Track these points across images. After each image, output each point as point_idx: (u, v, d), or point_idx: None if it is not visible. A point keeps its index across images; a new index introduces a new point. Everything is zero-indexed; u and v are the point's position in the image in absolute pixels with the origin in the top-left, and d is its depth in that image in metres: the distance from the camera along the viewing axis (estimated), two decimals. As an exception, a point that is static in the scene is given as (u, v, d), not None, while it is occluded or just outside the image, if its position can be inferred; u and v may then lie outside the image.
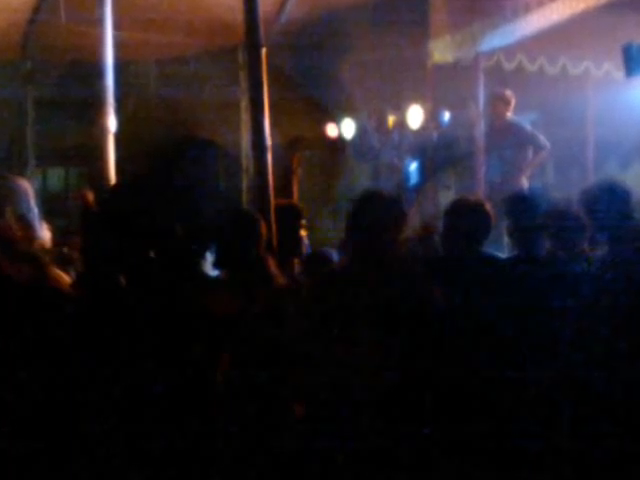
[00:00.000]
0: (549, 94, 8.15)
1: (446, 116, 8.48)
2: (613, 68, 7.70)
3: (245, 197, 8.99)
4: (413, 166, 8.95)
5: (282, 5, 8.37)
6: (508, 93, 7.91)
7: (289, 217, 4.40)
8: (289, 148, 9.05)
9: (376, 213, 3.67)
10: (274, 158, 4.45)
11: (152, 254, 3.53)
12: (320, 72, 9.19)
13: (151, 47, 8.63)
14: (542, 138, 7.96)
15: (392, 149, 9.24)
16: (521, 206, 4.34)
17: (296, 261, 4.50)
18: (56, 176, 11.24)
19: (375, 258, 3.64)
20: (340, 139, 9.69)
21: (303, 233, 4.56)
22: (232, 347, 3.44)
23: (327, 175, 10.11)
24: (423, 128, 8.68)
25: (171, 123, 9.20)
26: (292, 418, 3.50)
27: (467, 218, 4.09)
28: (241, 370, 3.41)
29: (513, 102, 7.92)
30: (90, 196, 5.75)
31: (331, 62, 9.01)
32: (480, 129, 7.64)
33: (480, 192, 7.15)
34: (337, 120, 9.65)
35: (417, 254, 4.48)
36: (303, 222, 4.54)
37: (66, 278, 3.98)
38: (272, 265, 3.87)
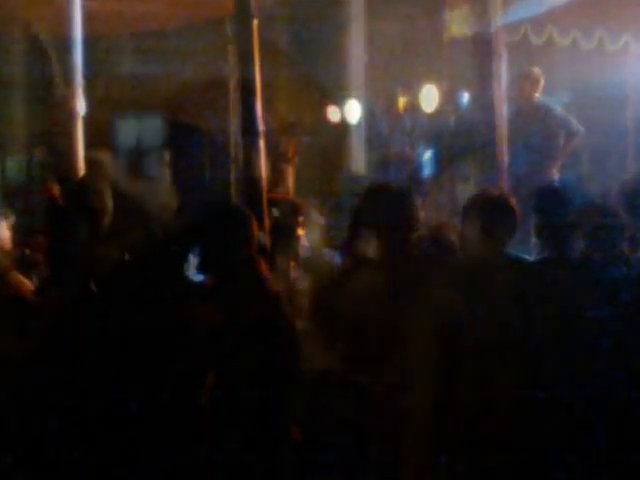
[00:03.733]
0: (583, 72, 8.16)
1: (465, 97, 8.50)
2: (656, 42, 7.71)
3: (234, 190, 9.00)
4: (427, 155, 8.97)
5: (277, -30, 8.38)
6: (536, 71, 7.91)
7: (284, 214, 4.41)
8: (284, 134, 9.05)
9: (384, 209, 3.67)
10: (267, 146, 4.46)
11: (127, 256, 3.53)
12: (320, 48, 9.21)
13: (126, 19, 8.62)
14: (575, 123, 7.97)
15: (403, 135, 9.26)
16: (551, 201, 4.35)
17: (292, 264, 4.51)
18: (16, 166, 11.24)
19: (382, 260, 3.64)
20: (343, 124, 9.70)
21: (301, 232, 4.56)
22: (219, 362, 3.44)
23: (328, 165, 10.12)
24: (438, 111, 8.70)
25: (149, 106, 9.21)
26: (287, 444, 3.50)
27: (489, 215, 4.09)
28: (229, 389, 3.41)
29: (542, 82, 7.92)
30: (56, 189, 5.76)
31: (333, 36, 9.03)
32: (504, 113, 7.63)
33: (504, 185, 7.14)
34: (340, 102, 9.66)
35: (431, 256, 4.48)
36: (301, 219, 4.55)
37: (28, 284, 3.98)
38: (264, 269, 3.87)
